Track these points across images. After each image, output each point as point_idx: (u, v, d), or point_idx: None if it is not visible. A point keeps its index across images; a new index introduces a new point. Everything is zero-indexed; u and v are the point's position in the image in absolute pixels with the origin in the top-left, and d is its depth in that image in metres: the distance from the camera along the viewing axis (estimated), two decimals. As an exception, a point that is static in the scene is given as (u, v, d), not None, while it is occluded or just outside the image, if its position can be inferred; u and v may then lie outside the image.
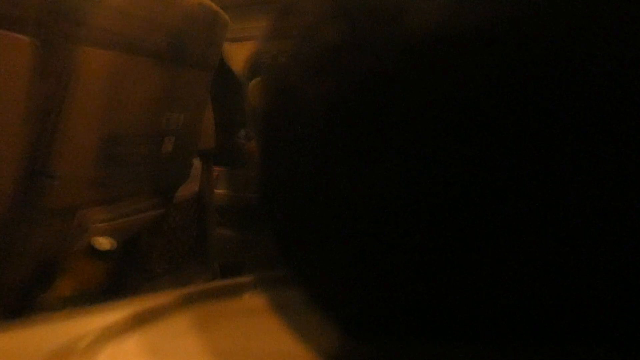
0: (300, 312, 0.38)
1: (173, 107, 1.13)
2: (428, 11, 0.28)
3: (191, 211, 1.51)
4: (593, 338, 0.29)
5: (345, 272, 0.32)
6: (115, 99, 0.98)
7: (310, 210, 0.33)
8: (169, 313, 0.42)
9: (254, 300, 0.46)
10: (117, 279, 1.10)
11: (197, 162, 1.44)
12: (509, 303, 0.29)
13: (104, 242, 0.98)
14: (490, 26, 0.27)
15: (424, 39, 0.28)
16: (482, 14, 0.27)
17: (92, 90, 0.92)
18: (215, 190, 1.54)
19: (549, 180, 0.27)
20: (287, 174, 0.34)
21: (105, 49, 0.93)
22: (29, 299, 0.96)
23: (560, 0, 0.27)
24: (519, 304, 0.28)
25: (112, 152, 1.01)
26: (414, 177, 0.29)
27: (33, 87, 0.82)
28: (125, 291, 1.15)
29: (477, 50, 0.27)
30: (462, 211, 0.28)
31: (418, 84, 0.28)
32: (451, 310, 0.29)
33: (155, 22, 1.01)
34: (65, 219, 0.97)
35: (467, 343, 0.29)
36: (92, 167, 0.98)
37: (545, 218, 0.27)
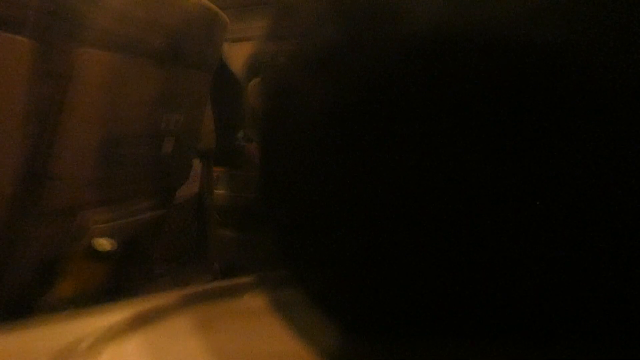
0: (300, 312, 0.38)
1: (173, 107, 1.13)
2: (427, 11, 0.28)
3: (191, 212, 1.51)
4: (593, 337, 0.29)
5: (345, 272, 0.32)
6: (114, 100, 0.98)
7: (310, 210, 0.33)
8: (169, 314, 0.42)
9: (254, 301, 0.46)
10: (117, 280, 1.10)
11: (197, 163, 1.44)
12: (509, 302, 0.29)
13: (104, 243, 0.98)
14: (490, 26, 0.27)
15: (423, 39, 0.28)
16: (481, 14, 0.27)
17: (91, 91, 0.92)
18: (215, 191, 1.54)
19: (548, 180, 0.27)
20: (287, 174, 0.34)
21: (104, 50, 0.93)
22: (30, 301, 0.96)
23: (562, 1, 0.27)
24: (519, 302, 0.29)
25: (112, 153, 1.01)
26: (414, 176, 0.29)
27: (33, 88, 0.82)
28: (125, 292, 1.15)
29: (476, 50, 0.27)
30: (462, 210, 0.28)
31: (417, 84, 0.28)
32: (451, 310, 0.29)
33: (154, 23, 1.01)
34: (65, 220, 0.97)
35: (467, 342, 0.29)
36: (92, 168, 0.98)
37: (545, 217, 0.27)
